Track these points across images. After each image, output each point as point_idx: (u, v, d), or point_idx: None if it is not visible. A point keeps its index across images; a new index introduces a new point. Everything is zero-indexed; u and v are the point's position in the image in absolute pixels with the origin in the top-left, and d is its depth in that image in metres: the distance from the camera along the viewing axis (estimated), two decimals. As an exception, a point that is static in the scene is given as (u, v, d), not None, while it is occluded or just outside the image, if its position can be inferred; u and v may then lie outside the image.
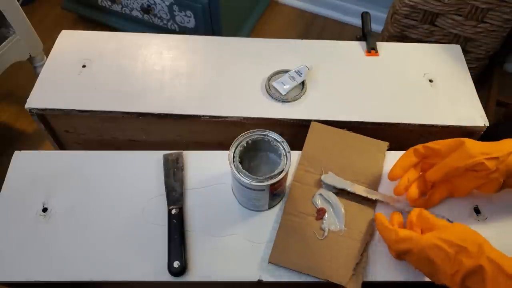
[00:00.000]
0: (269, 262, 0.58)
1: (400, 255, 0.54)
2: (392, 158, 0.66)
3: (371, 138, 0.70)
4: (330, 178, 0.64)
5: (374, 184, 0.65)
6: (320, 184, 0.65)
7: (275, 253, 0.59)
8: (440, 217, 0.55)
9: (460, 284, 0.47)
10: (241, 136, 0.60)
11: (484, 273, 0.45)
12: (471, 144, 0.56)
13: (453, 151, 0.58)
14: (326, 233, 0.60)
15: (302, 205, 0.63)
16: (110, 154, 0.69)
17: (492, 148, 0.56)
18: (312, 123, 0.72)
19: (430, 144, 0.60)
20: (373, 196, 0.63)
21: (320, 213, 0.62)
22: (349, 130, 0.71)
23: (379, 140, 0.70)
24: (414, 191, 0.61)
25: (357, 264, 0.57)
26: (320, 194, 0.64)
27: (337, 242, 0.59)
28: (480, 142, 0.58)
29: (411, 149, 0.62)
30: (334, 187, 0.63)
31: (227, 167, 0.58)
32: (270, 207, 0.63)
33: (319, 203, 0.63)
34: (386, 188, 0.65)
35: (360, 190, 0.63)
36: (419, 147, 0.61)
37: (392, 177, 0.62)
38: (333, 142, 0.69)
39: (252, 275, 0.57)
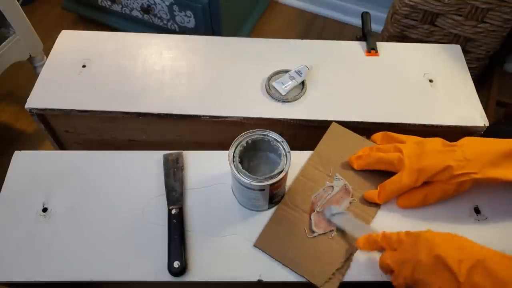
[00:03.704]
0: (254, 245, 0.59)
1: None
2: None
3: None
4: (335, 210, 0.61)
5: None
6: (323, 183, 0.64)
7: (262, 239, 0.59)
8: None
9: None
10: (241, 136, 0.60)
11: None
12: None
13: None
14: (315, 233, 0.60)
15: (301, 200, 0.63)
16: (110, 154, 0.69)
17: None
18: (333, 123, 0.71)
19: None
20: (355, 234, 0.58)
21: None
22: (352, 130, 0.71)
23: None
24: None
25: (337, 270, 0.57)
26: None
27: (324, 244, 0.59)
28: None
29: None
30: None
31: (227, 167, 0.58)
32: (270, 207, 0.63)
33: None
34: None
35: (349, 225, 0.59)
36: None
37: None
38: (348, 148, 0.68)
39: (252, 275, 0.57)
